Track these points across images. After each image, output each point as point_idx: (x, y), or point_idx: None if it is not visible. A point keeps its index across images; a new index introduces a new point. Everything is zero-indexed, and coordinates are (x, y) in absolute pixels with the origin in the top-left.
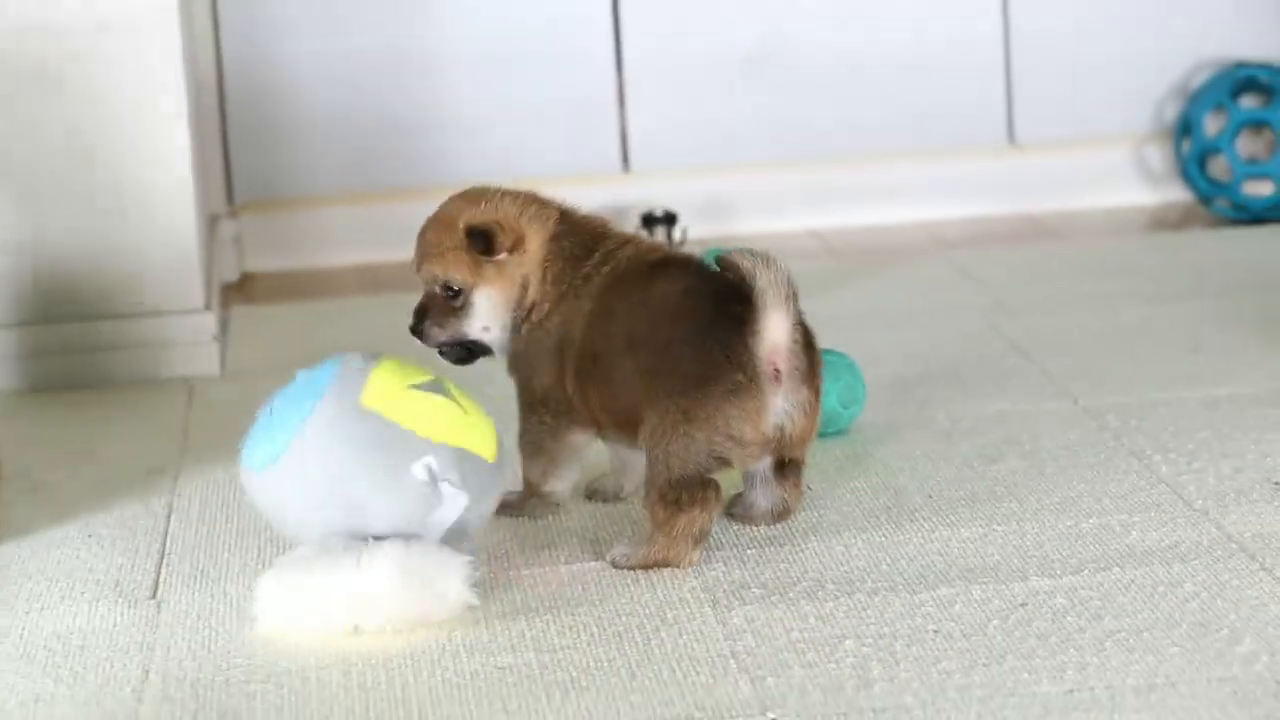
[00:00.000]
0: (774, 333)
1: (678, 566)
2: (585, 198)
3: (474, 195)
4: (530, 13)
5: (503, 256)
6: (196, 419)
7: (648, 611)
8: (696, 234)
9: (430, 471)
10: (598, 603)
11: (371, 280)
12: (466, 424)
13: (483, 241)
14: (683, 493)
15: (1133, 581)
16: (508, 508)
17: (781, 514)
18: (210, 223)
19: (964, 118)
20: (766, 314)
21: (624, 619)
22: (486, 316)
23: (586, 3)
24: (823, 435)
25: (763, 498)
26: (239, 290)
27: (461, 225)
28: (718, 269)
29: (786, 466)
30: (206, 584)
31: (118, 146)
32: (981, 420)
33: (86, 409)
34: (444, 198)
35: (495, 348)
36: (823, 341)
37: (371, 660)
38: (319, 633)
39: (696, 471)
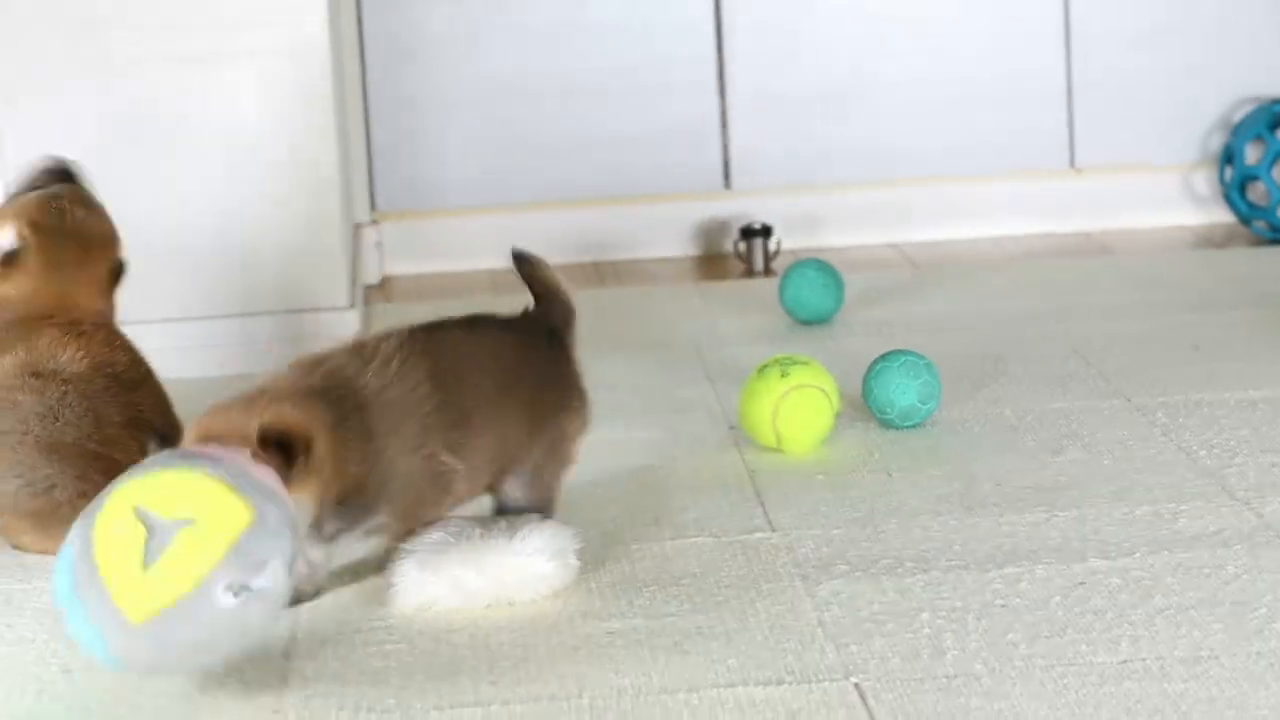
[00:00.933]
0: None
1: None
2: (690, 212)
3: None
4: (645, 47)
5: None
6: None
7: (744, 584)
8: (789, 245)
9: (232, 587)
10: (699, 575)
11: (499, 284)
12: (210, 530)
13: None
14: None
15: (1180, 564)
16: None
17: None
18: (355, 230)
19: (1030, 144)
20: (572, 324)
21: (723, 590)
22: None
23: (694, 40)
24: (902, 427)
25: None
26: (380, 291)
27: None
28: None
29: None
30: None
31: (273, 160)
32: (1045, 416)
33: None
34: (565, 210)
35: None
36: (902, 343)
37: (496, 625)
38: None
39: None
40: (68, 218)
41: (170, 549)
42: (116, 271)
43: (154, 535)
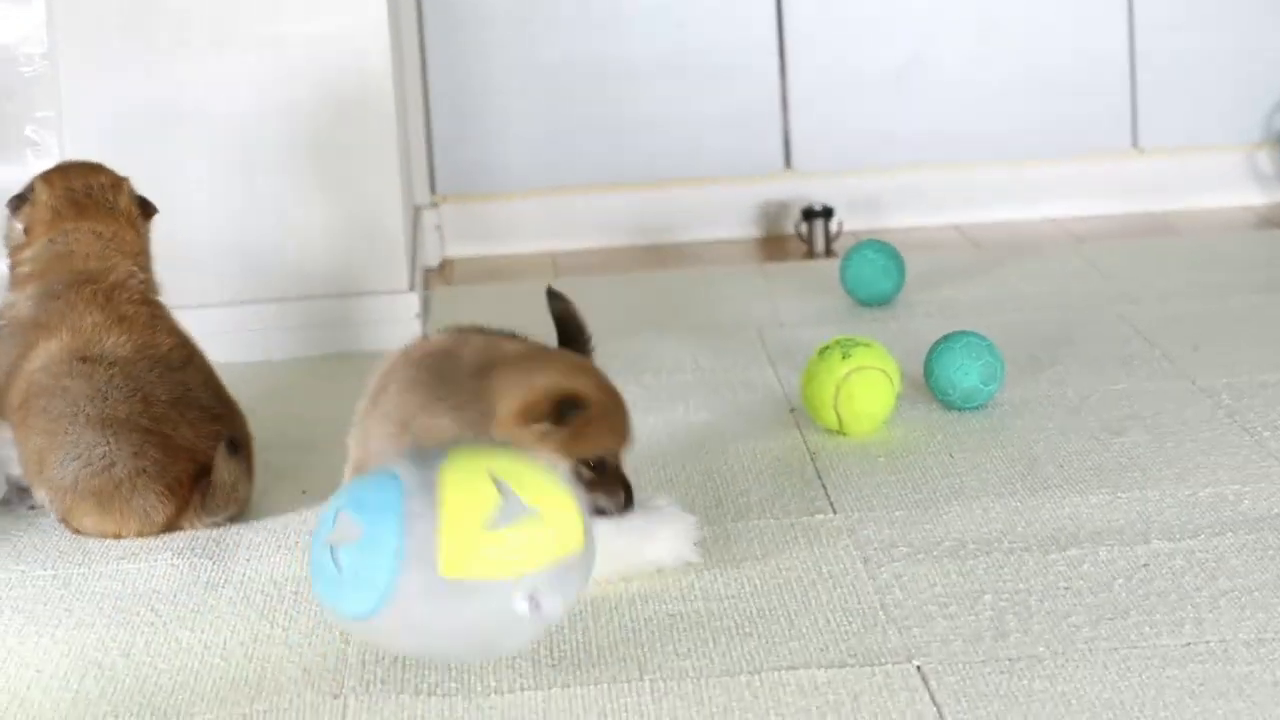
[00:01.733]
0: None
1: None
2: (751, 194)
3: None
4: (706, 30)
5: None
6: None
7: (805, 566)
8: (850, 227)
9: (532, 600)
10: (760, 558)
11: (559, 266)
12: (551, 535)
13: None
14: None
15: (1245, 545)
16: None
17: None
18: (415, 213)
19: (1092, 125)
20: None
21: (784, 573)
22: None
23: (755, 23)
24: (964, 409)
25: None
26: (439, 274)
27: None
28: None
29: None
30: None
31: (333, 144)
32: (1107, 397)
33: (300, 379)
34: (625, 193)
35: None
36: (964, 325)
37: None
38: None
39: None
40: (71, 169)
41: (513, 527)
42: (142, 204)
43: (505, 506)
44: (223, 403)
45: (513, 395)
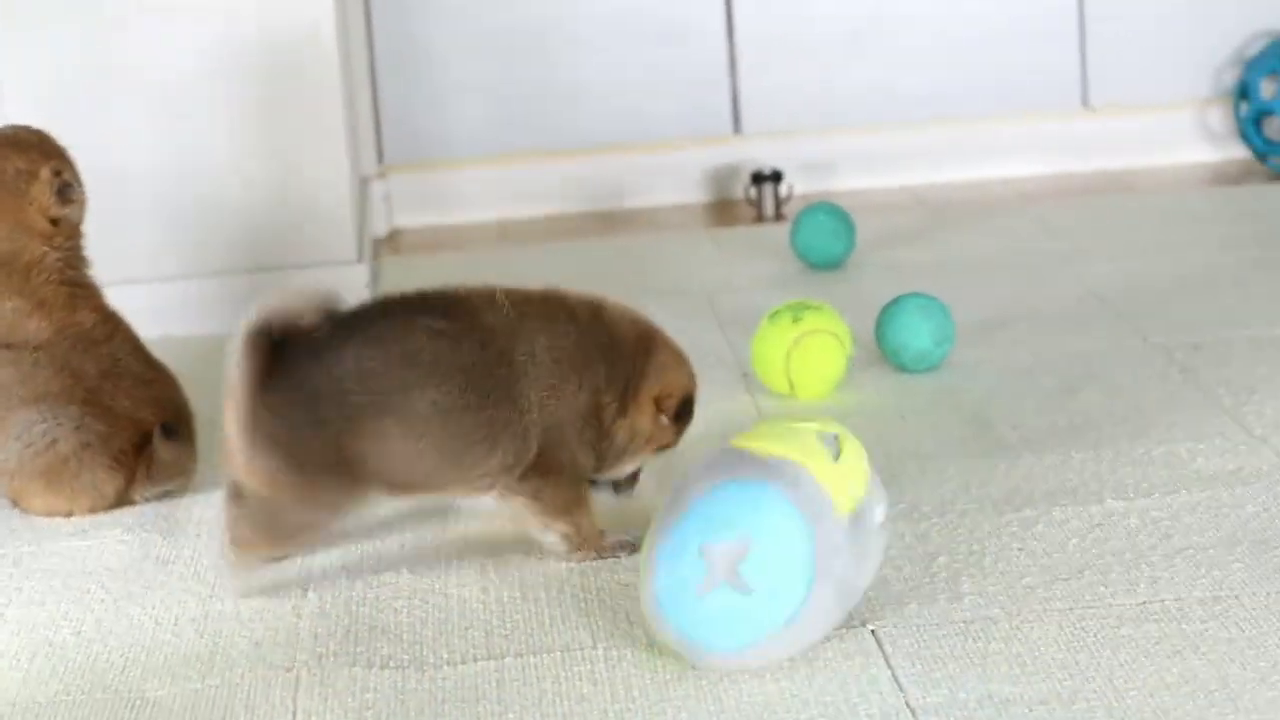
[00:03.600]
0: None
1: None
2: (700, 158)
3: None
4: None
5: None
6: None
7: None
8: (801, 190)
9: (880, 506)
10: None
11: (508, 234)
12: (854, 455)
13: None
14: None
15: (1199, 503)
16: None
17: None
18: (362, 183)
19: (1043, 84)
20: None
21: None
22: None
23: None
24: (916, 371)
25: None
26: (388, 244)
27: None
28: None
29: None
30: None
31: (279, 113)
32: (1060, 357)
33: None
34: (574, 158)
35: None
36: (916, 286)
37: (507, 579)
38: (461, 553)
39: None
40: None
41: (841, 457)
42: (61, 192)
43: (825, 440)
44: (153, 368)
45: (663, 381)
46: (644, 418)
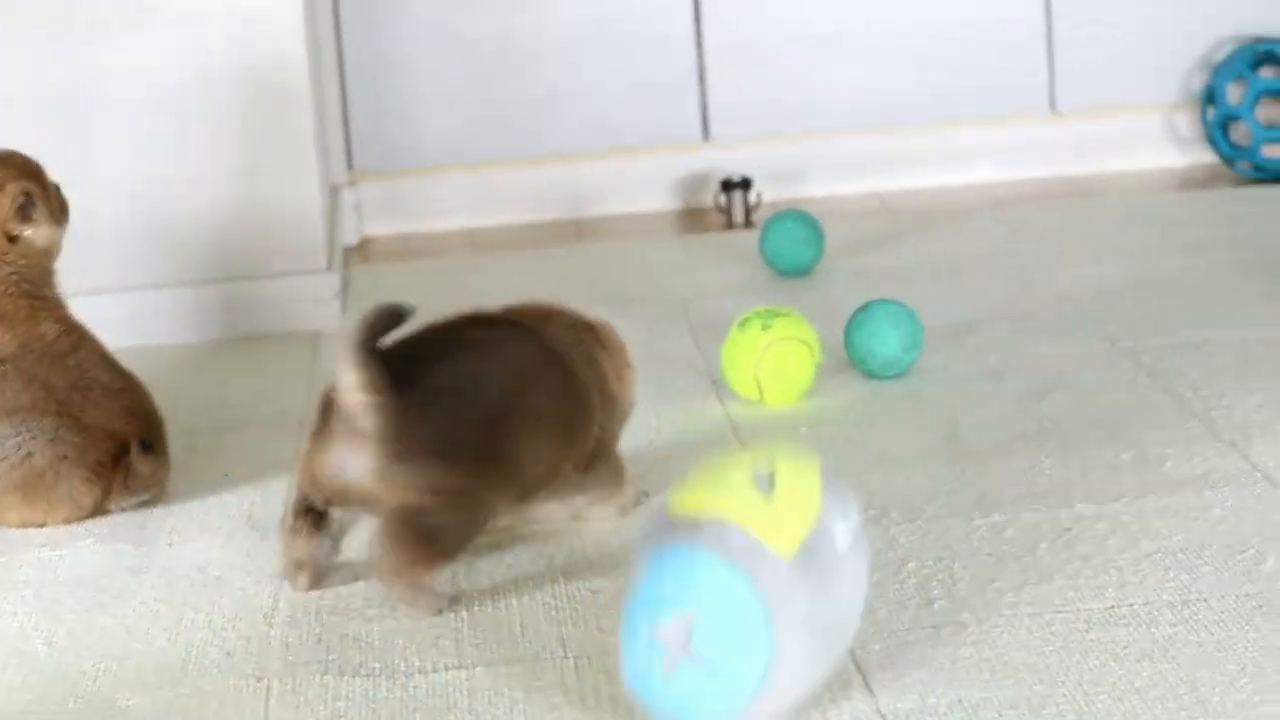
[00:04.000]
0: (340, 387)
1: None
2: (669, 165)
3: None
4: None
5: None
6: (321, 370)
7: None
8: (770, 197)
9: (844, 528)
10: None
11: (478, 242)
12: (793, 477)
13: None
14: (285, 512)
15: (1167, 508)
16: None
17: (375, 567)
18: (332, 191)
19: (1010, 88)
20: (337, 366)
21: None
22: None
23: None
24: (885, 377)
25: (375, 546)
26: (359, 252)
27: None
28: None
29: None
30: None
31: (247, 122)
32: (1029, 362)
33: (221, 361)
34: (543, 166)
35: None
36: (884, 293)
37: (479, 586)
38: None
39: (296, 497)
40: None
41: (779, 481)
42: (21, 211)
43: (758, 479)
44: (122, 378)
45: (624, 354)
46: (628, 390)
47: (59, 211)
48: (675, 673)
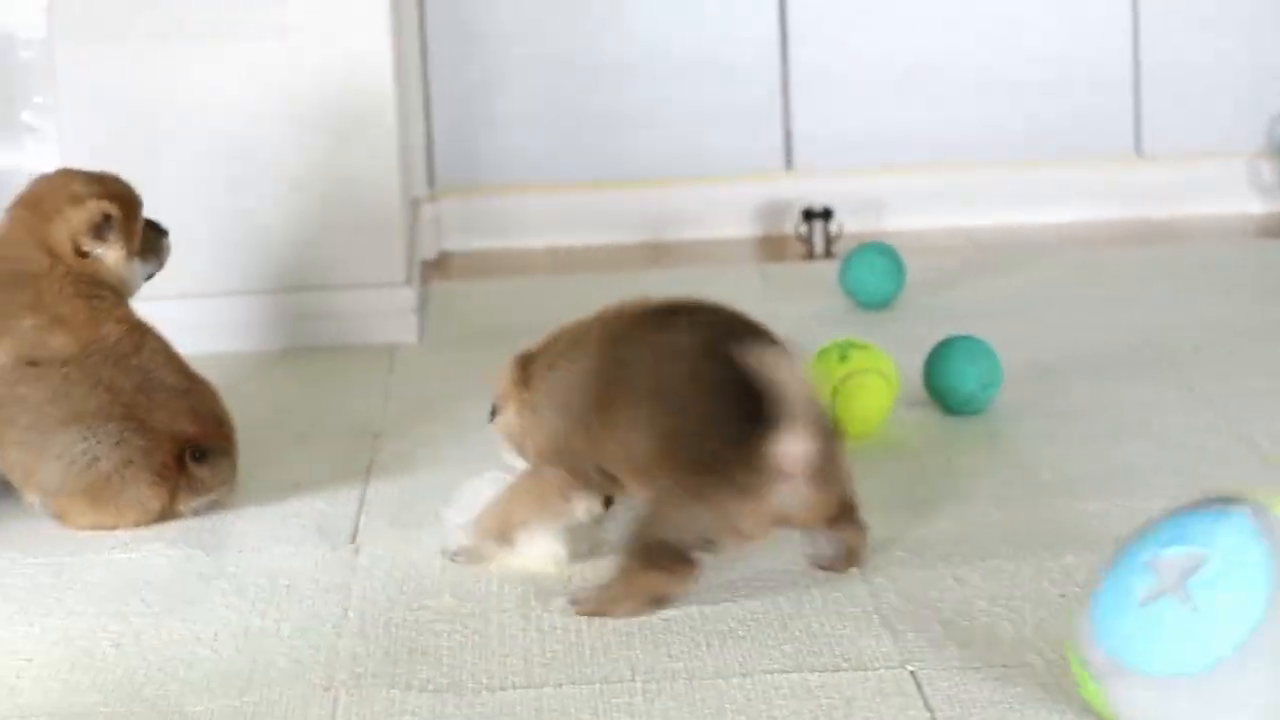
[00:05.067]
0: (791, 444)
1: (615, 617)
2: (751, 193)
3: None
4: (708, 26)
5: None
6: (396, 383)
7: (799, 569)
8: (851, 228)
9: None
10: (754, 560)
11: (558, 261)
12: None
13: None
14: (662, 556)
15: None
16: (462, 552)
17: (850, 557)
18: (412, 205)
19: (1096, 130)
20: (786, 426)
21: (778, 576)
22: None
23: (758, 20)
24: (961, 414)
25: (827, 545)
26: (437, 267)
27: None
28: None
29: (838, 517)
30: (401, 532)
31: (331, 134)
32: (1107, 404)
33: (295, 370)
34: (624, 190)
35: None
36: (964, 328)
37: (549, 606)
38: (503, 578)
39: (682, 544)
40: (36, 198)
41: None
42: (96, 231)
43: None
44: (188, 378)
45: None
46: None
47: (144, 249)
48: (1154, 605)
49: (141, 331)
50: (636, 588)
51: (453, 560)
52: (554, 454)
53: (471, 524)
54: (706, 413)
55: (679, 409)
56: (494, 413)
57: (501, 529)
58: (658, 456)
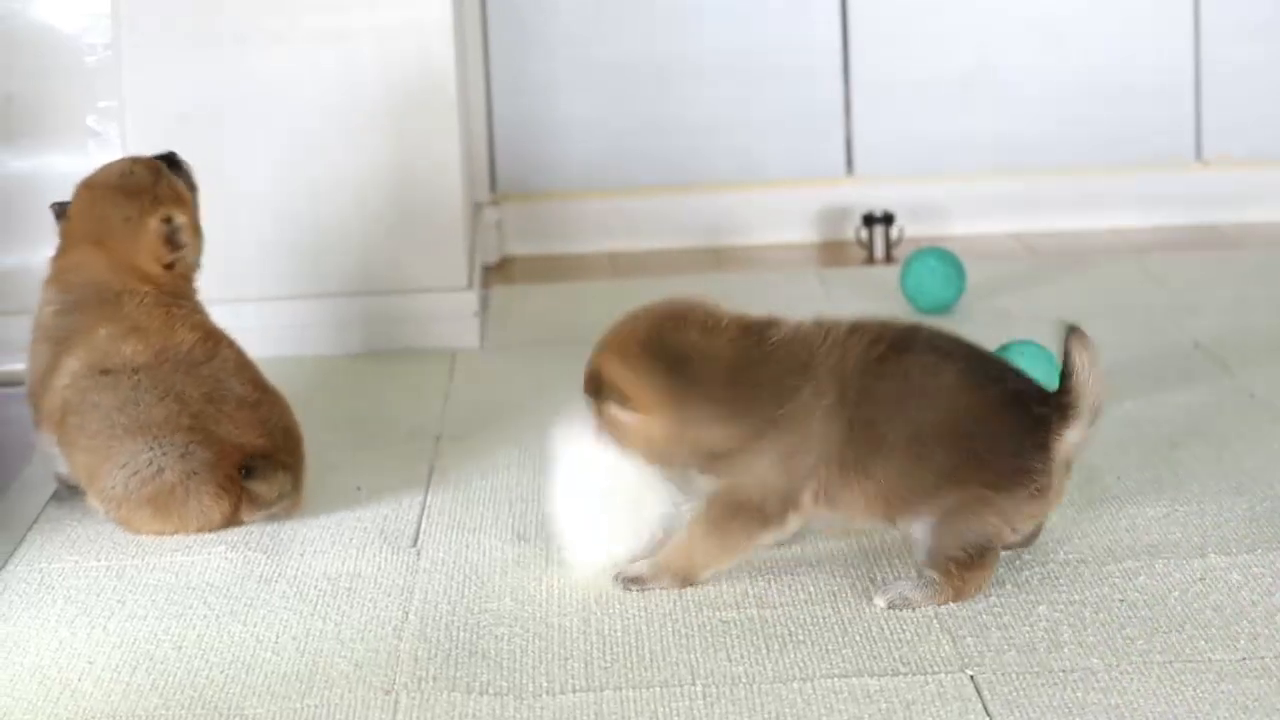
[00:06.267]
0: (1074, 440)
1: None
2: (811, 197)
3: (621, 342)
4: (770, 31)
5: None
6: (457, 387)
7: (859, 574)
8: (912, 233)
9: None
10: (814, 565)
11: (618, 266)
12: None
13: (596, 394)
14: (974, 555)
15: None
16: (637, 581)
17: (1037, 534)
18: (475, 210)
19: (1157, 136)
20: (1075, 424)
21: (838, 580)
22: (631, 448)
23: (820, 25)
24: None
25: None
26: (498, 271)
27: (590, 373)
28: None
29: None
30: (462, 536)
31: (394, 139)
32: (1166, 409)
33: (357, 374)
34: (685, 195)
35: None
36: (1024, 334)
37: (608, 610)
38: (563, 582)
39: (979, 544)
40: (106, 187)
41: None
42: (170, 239)
43: None
44: (259, 389)
45: None
46: None
47: (190, 197)
48: None
49: (215, 339)
50: (968, 590)
51: (625, 589)
52: (727, 469)
53: (654, 563)
54: (1002, 434)
55: (964, 438)
56: (601, 409)
57: (686, 573)
58: (945, 480)
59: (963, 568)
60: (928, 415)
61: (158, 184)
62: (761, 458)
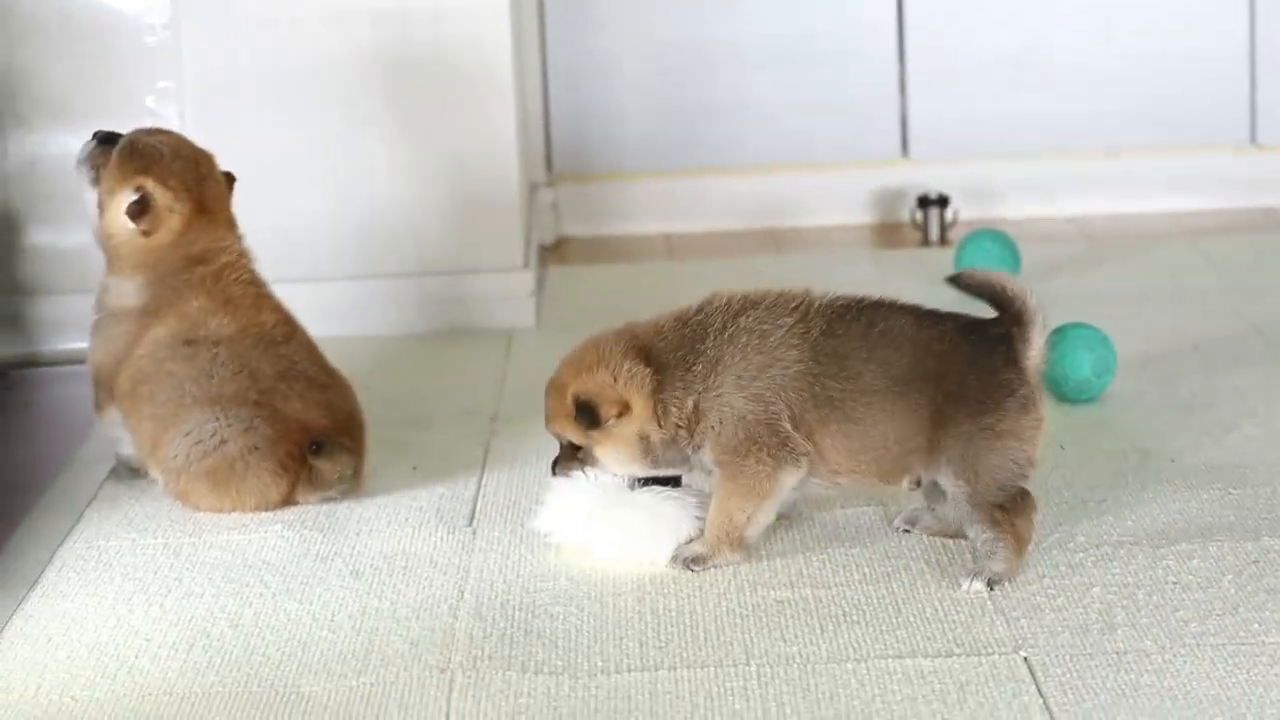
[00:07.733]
0: (1038, 345)
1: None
2: (866, 179)
3: (580, 361)
4: (824, 14)
5: (610, 423)
6: (514, 366)
7: (914, 555)
8: (966, 216)
9: None
10: (869, 544)
11: (672, 247)
12: None
13: (588, 416)
14: (1015, 498)
15: None
16: (698, 561)
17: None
18: (531, 191)
19: (1211, 118)
20: (1034, 330)
21: (892, 561)
22: (614, 465)
23: (874, 8)
24: (1076, 401)
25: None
26: (554, 252)
27: (569, 397)
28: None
29: None
30: (518, 515)
31: (451, 119)
32: (1221, 393)
33: (414, 354)
34: (741, 176)
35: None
36: (1078, 316)
37: (663, 589)
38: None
39: (1010, 481)
40: (171, 159)
41: None
42: (228, 176)
43: None
44: (327, 373)
45: None
46: None
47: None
48: None
49: (293, 324)
50: (1027, 537)
51: (688, 569)
52: (748, 443)
53: (705, 539)
54: (970, 364)
55: (938, 380)
56: (591, 436)
57: (734, 534)
58: (932, 432)
59: (1009, 514)
60: (896, 357)
61: (188, 143)
62: (724, 397)
